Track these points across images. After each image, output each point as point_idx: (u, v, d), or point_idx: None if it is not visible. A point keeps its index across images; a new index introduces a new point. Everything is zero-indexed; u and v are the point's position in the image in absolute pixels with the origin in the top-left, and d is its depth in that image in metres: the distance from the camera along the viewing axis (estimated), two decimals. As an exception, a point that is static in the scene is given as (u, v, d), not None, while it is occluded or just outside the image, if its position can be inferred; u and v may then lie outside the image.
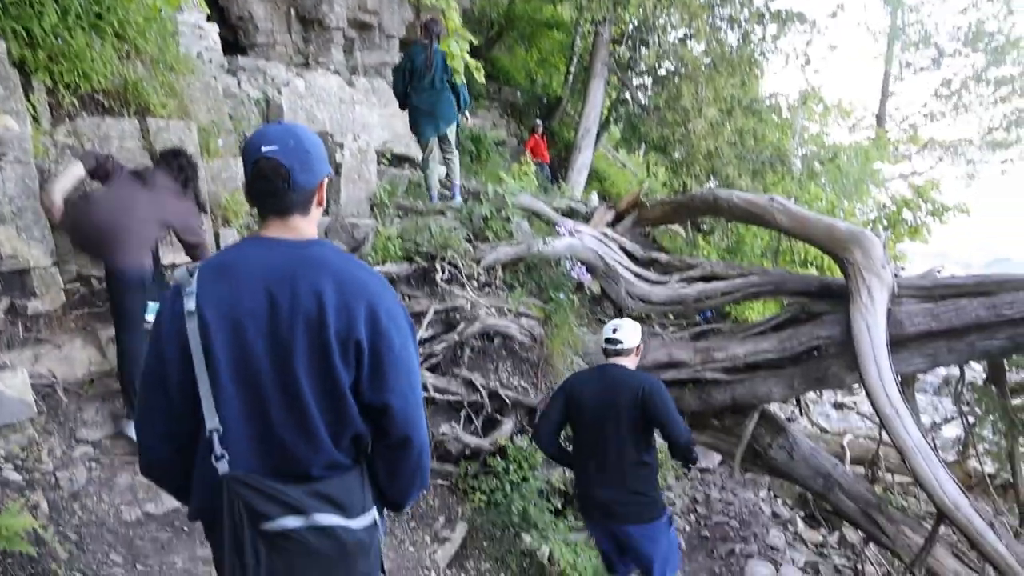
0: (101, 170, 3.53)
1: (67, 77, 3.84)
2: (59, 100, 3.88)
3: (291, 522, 1.44)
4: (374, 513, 1.60)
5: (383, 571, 1.73)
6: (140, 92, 4.36)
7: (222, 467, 1.44)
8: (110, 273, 3.44)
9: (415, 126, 6.70)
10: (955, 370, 5.55)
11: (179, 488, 1.64)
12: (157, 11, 4.59)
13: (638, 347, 3.51)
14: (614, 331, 3.47)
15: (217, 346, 1.46)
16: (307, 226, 1.61)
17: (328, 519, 1.48)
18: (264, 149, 1.52)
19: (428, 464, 1.68)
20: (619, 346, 3.43)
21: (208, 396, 1.45)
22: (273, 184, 1.52)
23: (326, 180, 1.63)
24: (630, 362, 3.47)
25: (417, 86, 6.39)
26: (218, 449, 1.45)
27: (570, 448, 3.61)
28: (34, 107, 3.70)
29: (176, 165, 3.88)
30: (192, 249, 3.79)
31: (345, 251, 1.73)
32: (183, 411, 1.50)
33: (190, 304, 1.46)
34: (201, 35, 8.29)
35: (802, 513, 7.18)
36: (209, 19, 9.10)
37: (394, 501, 1.73)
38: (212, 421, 1.45)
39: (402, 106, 6.72)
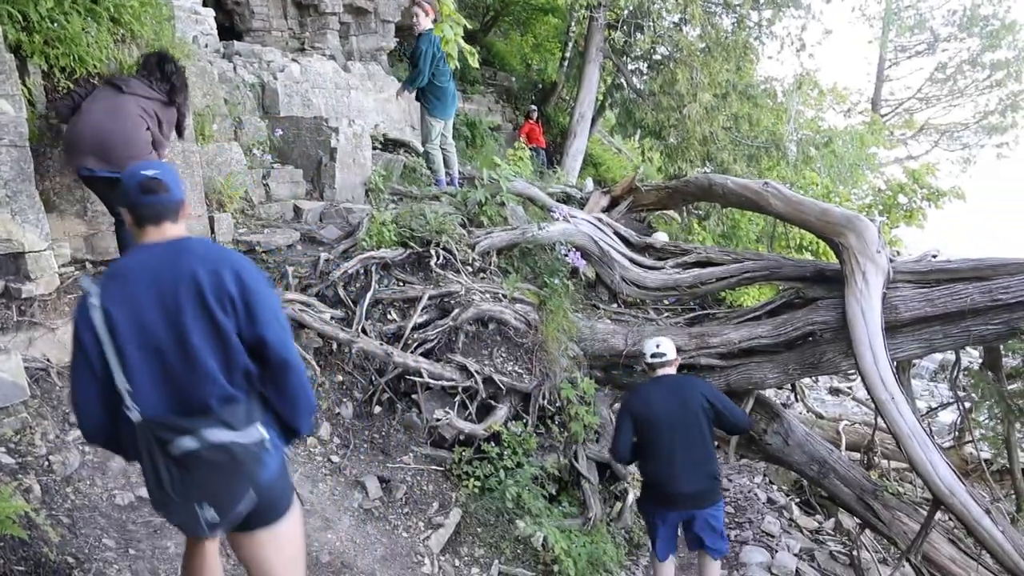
0: (72, 104, 3.71)
1: (63, 61, 3.84)
2: (55, 84, 3.87)
3: (188, 443, 1.87)
4: (261, 430, 1.99)
5: (298, 497, 2.20)
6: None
7: (134, 416, 1.88)
8: (114, 182, 3.39)
9: (439, 109, 6.92)
10: (951, 355, 5.55)
11: (120, 446, 2.03)
12: (161, 0, 4.56)
13: (677, 357, 4.18)
14: (657, 346, 4.10)
15: (120, 327, 1.88)
16: (177, 231, 2.07)
17: (218, 436, 1.89)
18: (145, 172, 2.04)
19: (308, 384, 2.12)
20: (664, 358, 4.07)
21: (117, 366, 1.88)
22: (157, 196, 2.01)
23: (185, 203, 2.14)
24: (673, 369, 4.14)
25: (444, 69, 6.82)
26: (128, 403, 1.88)
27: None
28: (30, 91, 3.70)
29: (163, 72, 3.90)
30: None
31: (209, 240, 2.19)
32: (107, 383, 1.90)
33: (95, 302, 1.89)
34: (197, 20, 8.23)
35: (797, 499, 7.21)
36: (205, 4, 9.03)
37: (293, 426, 2.14)
38: (122, 383, 1.88)
39: (415, 89, 6.95)
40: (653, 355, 4.09)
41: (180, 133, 4.24)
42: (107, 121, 3.64)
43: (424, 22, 6.71)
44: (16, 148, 3.42)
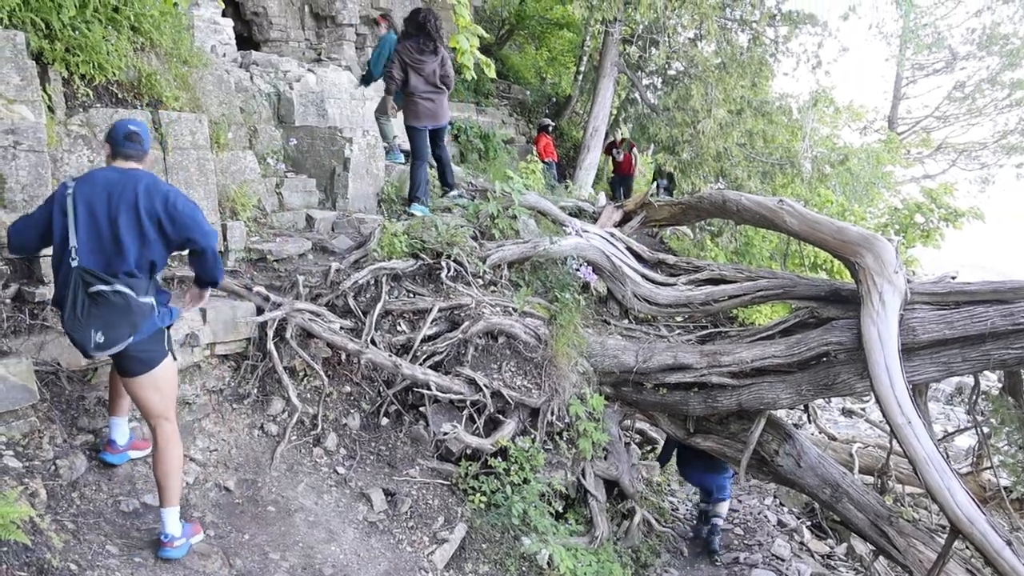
0: None
1: (83, 68, 3.90)
2: (74, 91, 3.92)
3: (102, 287, 2.78)
4: (152, 300, 2.94)
5: (172, 353, 3.14)
6: (153, 84, 4.41)
7: (74, 264, 2.77)
8: None
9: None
10: (968, 378, 5.45)
11: (24, 247, 3.04)
12: (172, 5, 4.61)
13: None
14: None
15: (79, 210, 2.81)
16: (137, 166, 2.99)
17: (123, 288, 2.81)
18: (131, 127, 2.99)
19: (219, 259, 3.18)
20: None
21: (72, 232, 2.79)
22: (133, 143, 2.97)
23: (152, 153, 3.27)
24: None
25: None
26: (73, 255, 2.78)
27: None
28: (49, 97, 3.75)
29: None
30: None
31: (156, 176, 3.06)
32: (44, 233, 2.89)
33: (69, 192, 2.83)
34: (216, 29, 8.32)
35: (809, 523, 7.09)
36: (224, 14, 9.13)
37: (210, 281, 3.27)
38: (72, 242, 2.79)
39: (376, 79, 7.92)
40: None
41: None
42: None
43: (380, 30, 8.06)
44: (34, 153, 3.45)
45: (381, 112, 7.99)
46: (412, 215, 6.18)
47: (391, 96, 6.67)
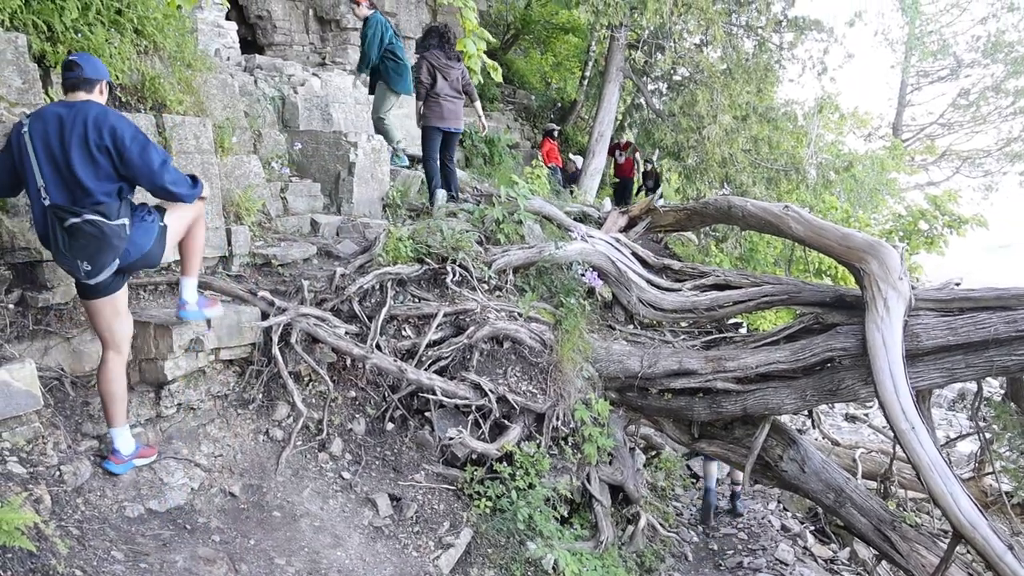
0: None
1: (85, 71, 3.87)
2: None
3: (74, 220, 2.92)
4: (125, 221, 3.08)
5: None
6: (157, 88, 4.39)
7: (46, 202, 2.94)
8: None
9: (397, 83, 7.69)
10: (971, 384, 5.44)
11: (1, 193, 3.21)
12: (176, 8, 4.61)
13: None
14: None
15: (37, 147, 2.92)
16: (87, 97, 3.05)
17: (92, 216, 2.94)
18: (71, 56, 3.07)
19: (177, 181, 3.18)
20: None
21: (36, 171, 2.93)
22: (72, 72, 3.03)
23: (104, 83, 3.17)
24: None
25: (399, 45, 7.73)
26: (43, 195, 2.94)
27: None
28: (51, 100, 3.72)
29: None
30: None
31: (105, 105, 3.13)
32: (12, 176, 3.04)
33: (25, 129, 2.93)
34: (220, 33, 8.35)
35: (812, 527, 7.08)
36: (228, 17, 9.16)
37: (176, 201, 3.31)
38: (39, 181, 2.94)
39: (368, 71, 7.78)
40: None
41: None
42: None
43: (362, 11, 7.56)
44: (38, 157, 3.44)
45: (377, 112, 7.90)
46: (433, 205, 6.61)
47: (420, 100, 6.83)
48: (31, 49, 3.56)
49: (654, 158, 13.82)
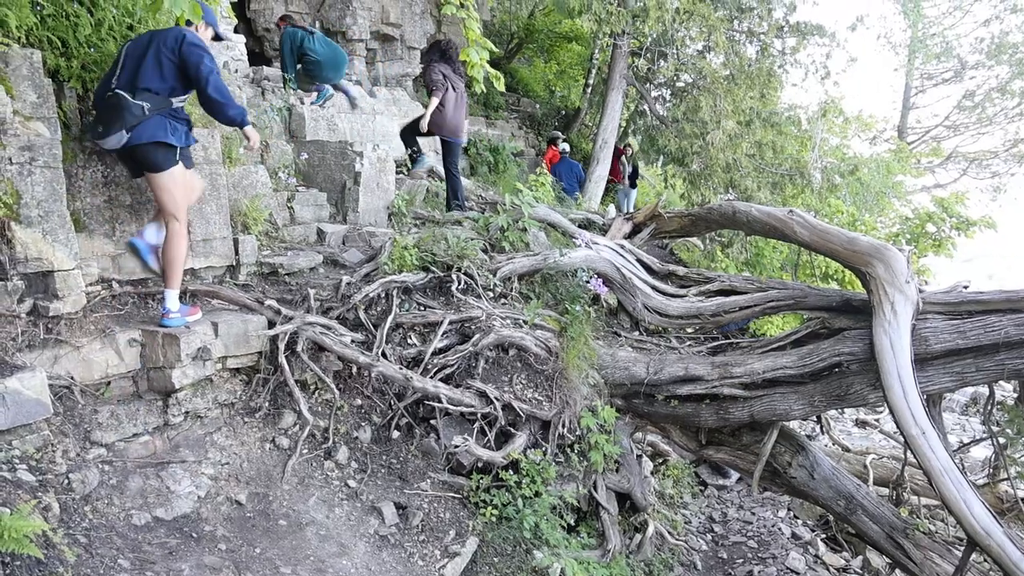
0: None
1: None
2: (88, 107, 3.96)
3: (110, 94, 3.62)
4: (143, 103, 3.64)
5: (182, 163, 3.93)
6: (167, 101, 4.42)
7: (115, 85, 3.64)
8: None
9: (326, 74, 8.38)
10: (983, 388, 5.39)
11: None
12: (185, 23, 4.67)
13: None
14: None
15: (129, 48, 3.71)
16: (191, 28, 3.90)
17: (122, 94, 3.61)
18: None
19: (225, 100, 3.85)
20: None
21: (120, 62, 3.69)
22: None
23: (209, 26, 4.10)
24: None
25: (311, 46, 8.26)
26: (115, 82, 3.65)
27: None
28: (65, 114, 3.80)
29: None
30: None
31: (191, 31, 3.85)
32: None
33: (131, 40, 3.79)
34: (228, 46, 8.42)
35: (823, 535, 7.01)
36: (236, 30, 9.25)
37: (222, 122, 4.08)
38: (117, 71, 3.67)
39: (294, 80, 8.36)
40: None
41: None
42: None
43: (279, 34, 8.53)
44: (50, 169, 3.49)
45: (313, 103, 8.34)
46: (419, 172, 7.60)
47: (436, 98, 7.16)
48: (46, 64, 3.63)
49: (630, 150, 13.83)
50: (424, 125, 7.02)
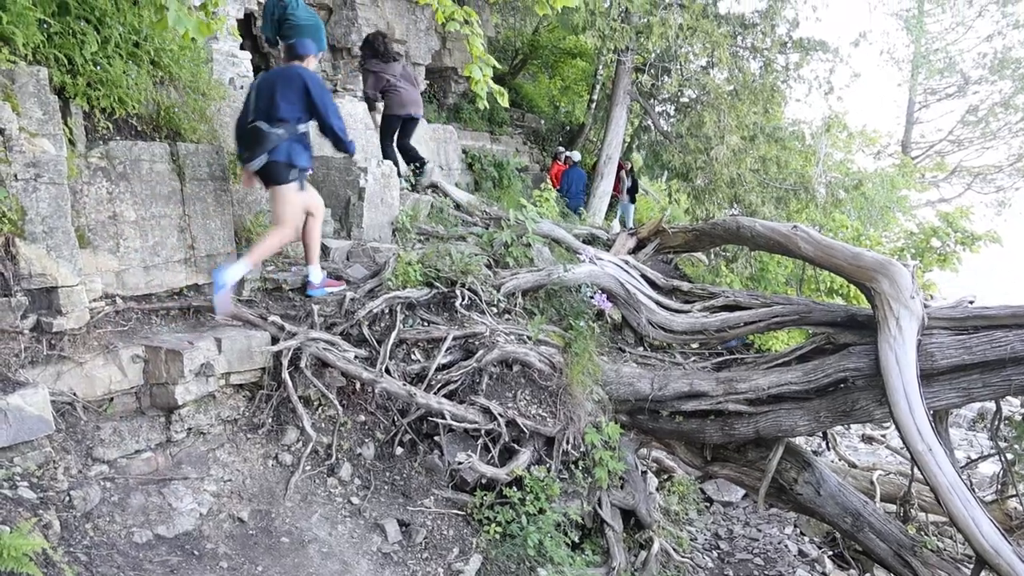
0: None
1: (103, 102, 3.99)
2: (94, 124, 4.00)
3: (253, 125, 4.50)
4: (280, 131, 4.48)
5: (297, 185, 4.72)
6: (172, 117, 4.49)
7: (251, 119, 4.53)
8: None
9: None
10: (990, 404, 5.35)
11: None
12: (190, 39, 4.72)
13: None
14: None
15: (259, 86, 4.61)
16: (299, 63, 4.72)
17: (263, 125, 4.48)
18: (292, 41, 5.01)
19: (341, 134, 4.84)
20: None
21: (254, 101, 4.56)
22: (294, 53, 4.81)
23: (313, 56, 4.87)
24: None
25: (290, 15, 7.54)
26: (251, 116, 4.54)
27: None
28: (71, 130, 3.82)
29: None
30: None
31: (309, 70, 4.70)
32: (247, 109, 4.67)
33: (258, 77, 4.76)
34: (234, 62, 8.49)
35: (830, 552, 6.94)
36: (242, 47, 9.33)
37: (341, 150, 5.09)
38: (253, 107, 4.57)
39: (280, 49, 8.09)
40: None
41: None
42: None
43: None
44: (55, 185, 3.51)
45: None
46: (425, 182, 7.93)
47: (372, 111, 8.10)
48: (52, 81, 3.65)
49: (630, 164, 14.07)
50: (379, 131, 7.83)
